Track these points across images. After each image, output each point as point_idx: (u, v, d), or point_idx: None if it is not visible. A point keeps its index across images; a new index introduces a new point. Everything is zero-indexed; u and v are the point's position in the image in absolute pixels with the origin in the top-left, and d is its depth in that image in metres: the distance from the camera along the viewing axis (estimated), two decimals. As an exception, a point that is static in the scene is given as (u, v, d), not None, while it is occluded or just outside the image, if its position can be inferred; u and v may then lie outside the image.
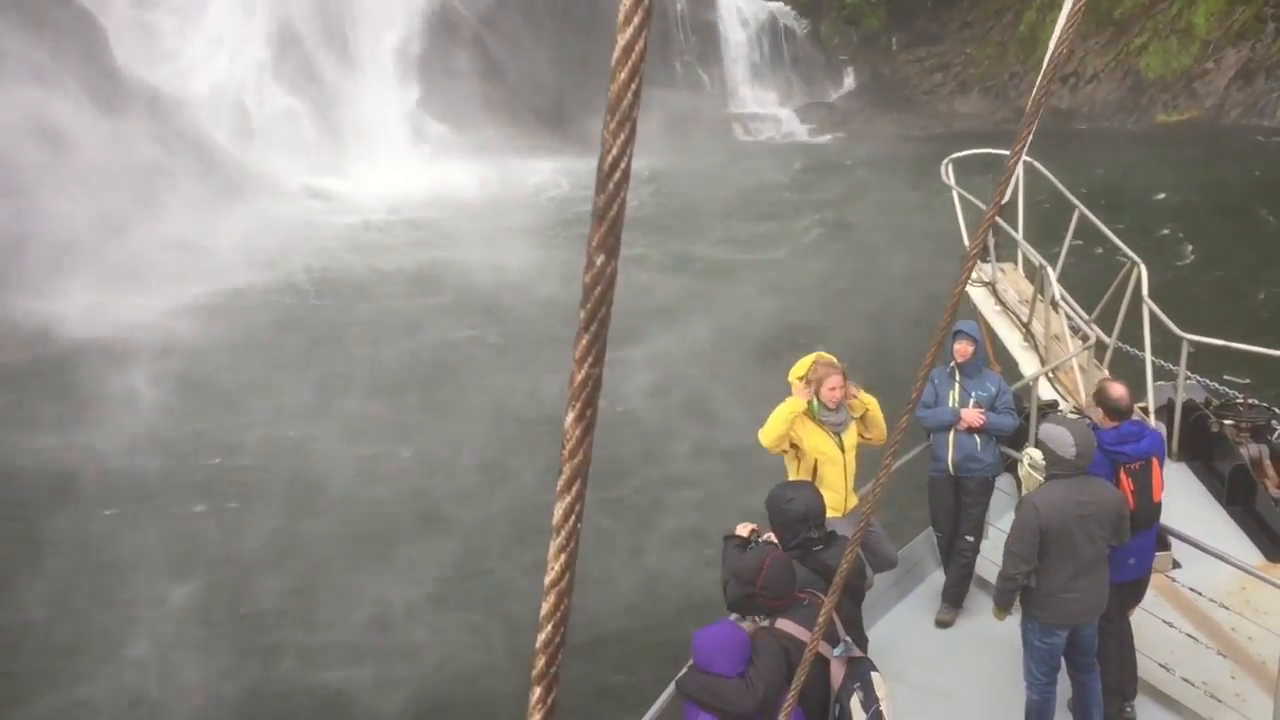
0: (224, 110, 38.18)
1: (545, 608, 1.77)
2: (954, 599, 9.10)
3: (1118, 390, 7.72)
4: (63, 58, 32.13)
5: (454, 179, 38.25)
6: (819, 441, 7.87)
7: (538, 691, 1.80)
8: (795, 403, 7.81)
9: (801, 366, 8.01)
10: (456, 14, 44.50)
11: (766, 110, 50.52)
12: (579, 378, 1.65)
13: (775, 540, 6.45)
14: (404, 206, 35.90)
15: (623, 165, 1.52)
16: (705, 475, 17.20)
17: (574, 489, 1.71)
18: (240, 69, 39.89)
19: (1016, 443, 9.36)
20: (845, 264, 28.76)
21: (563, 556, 1.75)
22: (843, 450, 7.92)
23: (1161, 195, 33.77)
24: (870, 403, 8.04)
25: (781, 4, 51.98)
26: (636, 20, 1.47)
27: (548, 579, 1.77)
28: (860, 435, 8.10)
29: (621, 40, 1.47)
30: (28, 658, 13.74)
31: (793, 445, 7.94)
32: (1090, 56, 45.82)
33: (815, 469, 7.90)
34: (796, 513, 6.37)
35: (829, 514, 6.89)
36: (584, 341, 1.63)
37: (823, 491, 7.09)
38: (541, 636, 1.78)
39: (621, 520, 16.11)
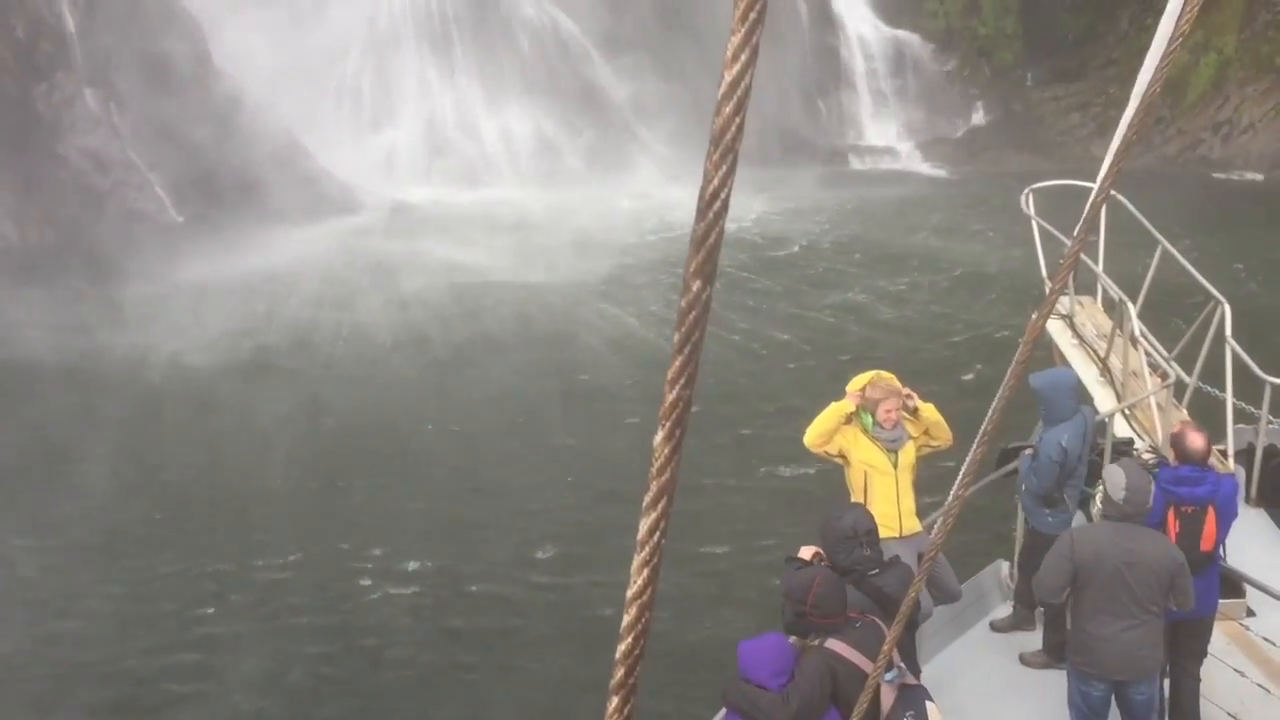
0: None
1: (626, 620, 1.95)
2: (1022, 619, 9.50)
3: (1196, 442, 7.91)
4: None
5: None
6: (868, 454, 8.32)
7: (615, 701, 1.98)
8: (842, 404, 8.31)
9: (858, 382, 8.48)
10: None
11: (887, 143, 50.48)
12: (670, 398, 1.83)
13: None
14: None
15: (723, 196, 1.71)
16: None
17: (660, 506, 1.89)
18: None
19: (1090, 480, 9.53)
20: (956, 307, 28.76)
21: (646, 571, 1.93)
22: (895, 466, 8.31)
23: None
24: (928, 409, 8.47)
25: (909, 32, 51.94)
26: (744, 58, 1.66)
27: (630, 592, 1.94)
28: (927, 444, 8.53)
29: (729, 76, 1.66)
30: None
31: (841, 455, 8.41)
32: (1246, 105, 45.07)
33: (865, 482, 8.31)
34: (844, 529, 6.71)
35: (883, 532, 7.29)
36: (677, 364, 1.81)
37: (875, 504, 7.70)
38: (621, 648, 1.95)
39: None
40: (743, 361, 24.86)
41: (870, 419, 8.36)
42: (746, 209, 39.08)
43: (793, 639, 6.36)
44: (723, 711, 6.38)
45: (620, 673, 1.96)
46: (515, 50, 44.11)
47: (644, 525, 1.89)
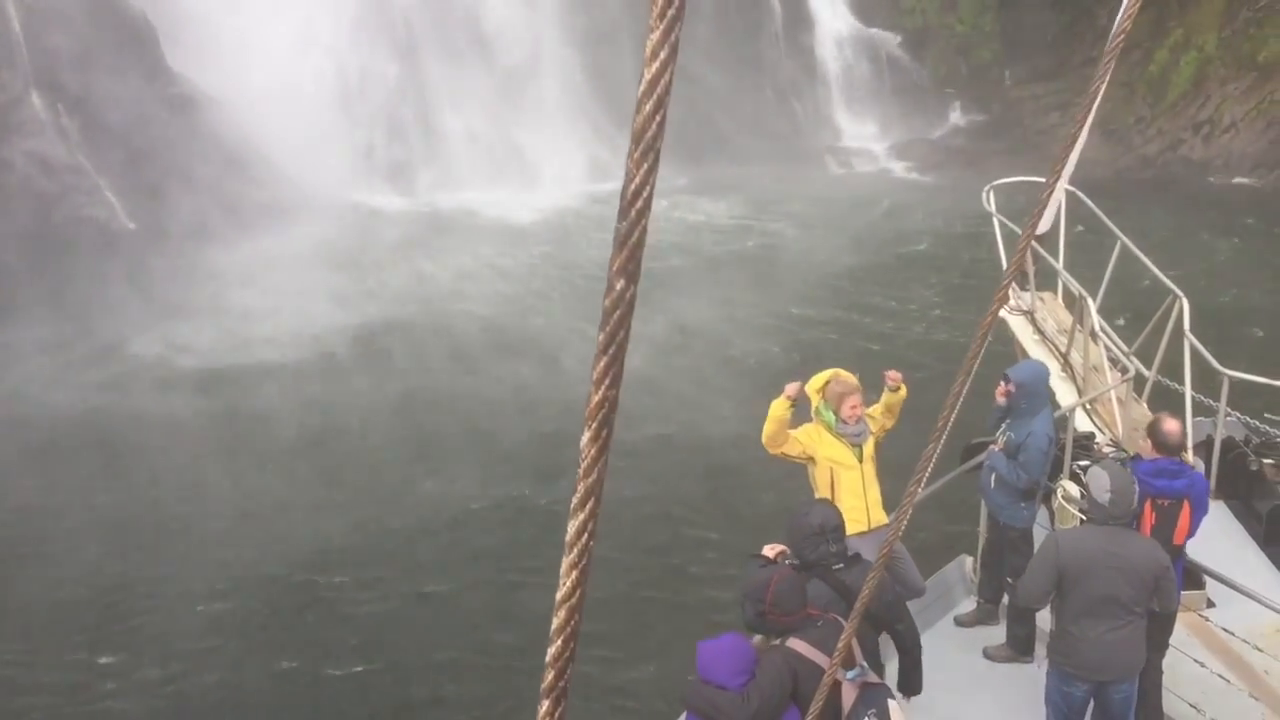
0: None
1: (556, 622, 1.99)
2: (986, 614, 9.83)
3: (1171, 426, 8.23)
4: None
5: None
6: (833, 450, 8.73)
7: (546, 705, 2.02)
8: (779, 404, 8.69)
9: (818, 380, 8.92)
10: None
11: (863, 144, 50.69)
12: (596, 399, 1.88)
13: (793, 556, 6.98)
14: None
15: (645, 194, 1.76)
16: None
17: (588, 507, 1.94)
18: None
19: (1052, 475, 9.85)
20: (941, 317, 28.92)
21: (574, 573, 1.98)
22: (860, 460, 8.74)
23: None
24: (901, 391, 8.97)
25: (885, 30, 52.23)
26: (663, 55, 1.71)
27: (559, 594, 1.99)
28: (883, 429, 9.00)
29: (648, 74, 1.71)
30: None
31: (807, 456, 8.82)
32: (1228, 104, 45.48)
33: (831, 478, 8.69)
34: (812, 525, 6.93)
35: (852, 526, 7.68)
36: (602, 364, 1.86)
37: (842, 499, 8.11)
38: (552, 650, 2.00)
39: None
40: (729, 379, 24.78)
41: (833, 416, 8.74)
42: (721, 214, 39.20)
43: (755, 639, 6.47)
44: (684, 715, 6.46)
45: (550, 676, 2.01)
46: (486, 48, 44.07)
47: (572, 527, 1.94)
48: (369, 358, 26.62)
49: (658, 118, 1.73)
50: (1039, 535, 9.57)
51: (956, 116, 51.62)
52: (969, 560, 10.53)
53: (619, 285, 1.80)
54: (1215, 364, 11.52)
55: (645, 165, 1.75)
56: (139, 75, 33.81)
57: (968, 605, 10.08)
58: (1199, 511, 8.19)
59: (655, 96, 1.72)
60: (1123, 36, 2.71)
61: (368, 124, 41.53)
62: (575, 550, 1.96)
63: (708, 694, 6.04)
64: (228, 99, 36.14)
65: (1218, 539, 10.34)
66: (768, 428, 8.72)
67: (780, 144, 47.87)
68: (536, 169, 42.65)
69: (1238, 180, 43.46)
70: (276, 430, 22.12)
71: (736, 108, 46.98)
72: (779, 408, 8.69)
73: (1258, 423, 12.97)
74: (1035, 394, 9.19)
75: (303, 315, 28.88)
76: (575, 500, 1.93)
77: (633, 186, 1.76)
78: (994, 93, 51.15)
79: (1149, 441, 8.29)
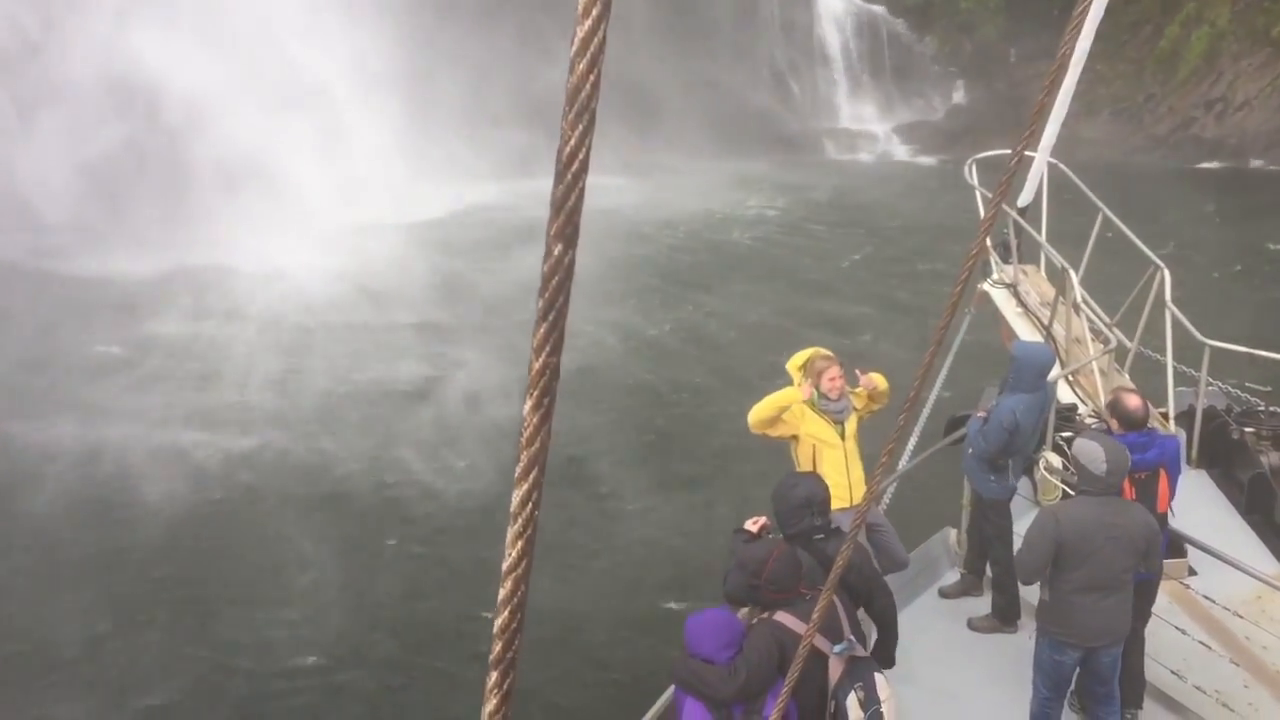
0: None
1: (502, 593, 2.03)
2: (970, 585, 10.06)
3: (1133, 401, 8.43)
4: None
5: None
6: (817, 428, 8.93)
7: (494, 676, 2.06)
8: (791, 393, 8.92)
9: (800, 358, 9.15)
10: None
11: (863, 126, 50.70)
12: (537, 366, 1.92)
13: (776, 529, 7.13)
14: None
15: (581, 156, 1.79)
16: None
17: (531, 476, 1.98)
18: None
19: (1037, 447, 10.05)
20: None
21: (520, 543, 2.02)
22: (843, 438, 8.95)
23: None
24: (879, 379, 9.18)
25: (885, 8, 52.17)
26: (596, 12, 1.74)
27: (505, 565, 2.03)
28: (869, 409, 9.22)
29: (580, 32, 1.75)
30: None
31: (790, 435, 9.00)
32: (1241, 80, 45.50)
33: (814, 455, 8.90)
34: (799, 498, 7.02)
35: (835, 502, 7.76)
36: (542, 330, 1.90)
37: (825, 475, 8.15)
38: (499, 621, 2.04)
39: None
40: (721, 384, 24.61)
41: (816, 392, 8.95)
42: (718, 204, 39.18)
43: (742, 612, 6.54)
44: (670, 689, 6.52)
45: (498, 647, 2.04)
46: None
47: (516, 496, 1.98)
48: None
49: (591, 77, 1.77)
50: (1020, 507, 9.81)
51: (960, 96, 51.60)
52: (953, 532, 10.77)
53: (557, 250, 1.84)
54: (1196, 334, 11.87)
55: (580, 127, 1.78)
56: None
57: (952, 577, 10.32)
58: (1174, 474, 8.45)
59: (588, 55, 1.75)
60: (1087, 2, 2.75)
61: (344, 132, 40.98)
62: (520, 520, 2.00)
63: (695, 668, 6.13)
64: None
65: (1200, 508, 10.67)
66: (766, 411, 8.90)
67: (778, 128, 47.87)
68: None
69: (1253, 163, 43.54)
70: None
71: (733, 90, 46.93)
72: (787, 397, 8.89)
73: (1239, 391, 13.33)
74: (1019, 370, 9.37)
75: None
76: (519, 470, 1.96)
77: (568, 149, 1.79)
78: (999, 70, 51.11)
79: (1114, 420, 8.47)
